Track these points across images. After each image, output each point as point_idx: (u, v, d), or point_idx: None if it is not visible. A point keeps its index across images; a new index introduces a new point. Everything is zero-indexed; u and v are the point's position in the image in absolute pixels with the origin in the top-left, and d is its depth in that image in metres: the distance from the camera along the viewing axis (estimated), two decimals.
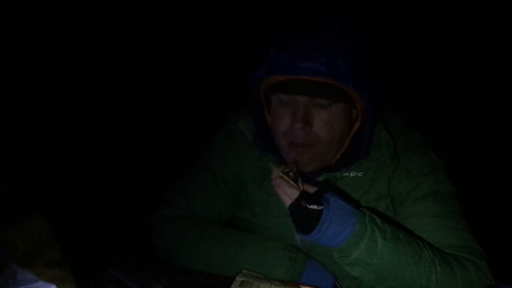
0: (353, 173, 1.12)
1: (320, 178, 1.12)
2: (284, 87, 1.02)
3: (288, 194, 0.96)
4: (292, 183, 0.97)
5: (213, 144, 1.27)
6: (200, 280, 1.09)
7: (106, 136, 2.37)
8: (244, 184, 1.22)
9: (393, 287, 0.97)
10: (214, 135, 1.28)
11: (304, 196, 0.95)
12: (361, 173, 1.11)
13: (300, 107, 1.02)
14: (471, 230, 1.07)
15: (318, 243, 0.96)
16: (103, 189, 2.11)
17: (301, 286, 1.02)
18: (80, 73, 2.40)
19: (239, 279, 1.04)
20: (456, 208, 1.09)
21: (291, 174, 0.99)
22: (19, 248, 0.95)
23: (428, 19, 2.47)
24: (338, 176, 1.12)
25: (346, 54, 0.97)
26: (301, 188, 0.97)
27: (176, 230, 1.19)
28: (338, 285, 1.13)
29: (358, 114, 1.08)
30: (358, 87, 0.99)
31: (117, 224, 1.76)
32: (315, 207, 0.93)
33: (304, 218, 0.95)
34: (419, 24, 2.44)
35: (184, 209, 1.23)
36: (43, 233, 1.00)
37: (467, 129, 2.35)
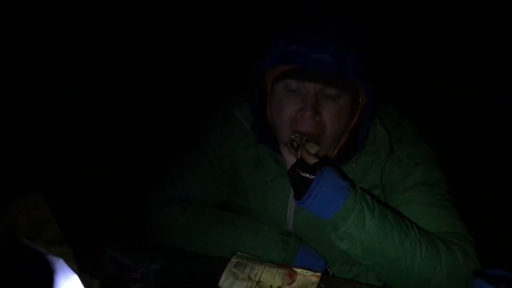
0: (344, 163, 1.14)
1: None
2: (295, 74, 1.03)
3: (287, 159, 1.02)
4: (292, 151, 1.02)
5: (210, 129, 1.28)
6: (195, 261, 1.11)
7: (106, 127, 2.38)
8: (238, 170, 1.23)
9: (379, 263, 1.00)
10: (210, 119, 1.29)
11: (300, 164, 1.00)
12: (355, 164, 1.14)
13: (311, 95, 1.03)
14: (461, 217, 1.10)
15: (310, 213, 1.00)
16: (102, 171, 2.12)
17: (294, 269, 1.05)
18: (80, 73, 2.40)
19: (234, 260, 1.06)
20: (446, 197, 1.11)
21: (295, 143, 1.04)
22: (21, 226, 0.96)
23: (428, 17, 2.47)
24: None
25: (352, 48, 0.99)
26: (299, 157, 1.02)
27: (172, 211, 1.20)
28: (329, 269, 1.17)
29: (357, 108, 1.10)
30: (364, 81, 1.01)
31: (114, 205, 1.78)
32: (307, 175, 0.98)
33: (298, 184, 1.00)
34: (418, 21, 2.45)
35: (180, 192, 1.25)
36: (43, 211, 1.01)
37: (466, 126, 2.38)
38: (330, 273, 1.16)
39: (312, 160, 1.02)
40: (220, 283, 1.01)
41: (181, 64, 2.69)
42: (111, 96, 2.49)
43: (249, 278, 1.02)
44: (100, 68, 2.46)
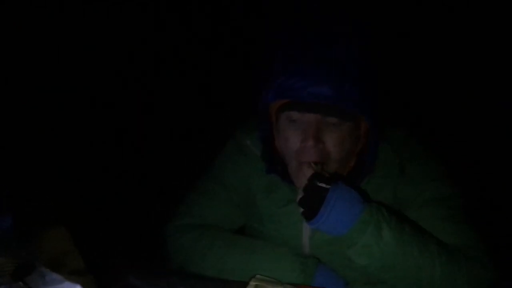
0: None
1: None
2: (295, 106, 1.04)
3: (305, 173, 1.02)
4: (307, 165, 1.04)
5: (224, 158, 1.31)
6: (214, 285, 1.12)
7: (116, 137, 2.37)
8: (253, 195, 1.25)
9: (399, 277, 1.00)
10: (222, 149, 1.32)
11: (317, 176, 1.01)
12: (365, 187, 1.14)
13: (312, 124, 1.04)
14: (477, 229, 1.09)
15: (325, 233, 1.01)
16: (115, 197, 2.13)
17: None
18: (81, 72, 2.39)
19: (252, 283, 1.07)
20: (461, 210, 1.11)
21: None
22: (44, 257, 1.00)
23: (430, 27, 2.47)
24: None
25: (353, 77, 1.00)
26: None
27: (190, 238, 1.22)
28: None
29: (363, 132, 1.11)
30: (364, 110, 1.02)
31: (134, 231, 1.80)
32: (324, 185, 0.99)
33: (314, 197, 1.00)
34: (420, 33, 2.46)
35: (197, 219, 1.27)
36: (66, 243, 1.05)
37: (470, 133, 2.35)
38: None
39: (326, 175, 1.04)
40: None
41: (182, 65, 2.69)
42: (112, 96, 2.49)
43: None
44: (99, 68, 2.44)
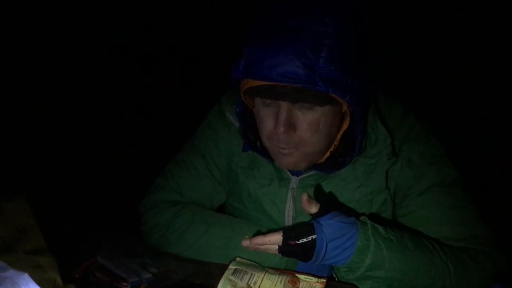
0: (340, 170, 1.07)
1: (310, 173, 1.08)
2: (263, 91, 0.94)
3: (272, 242, 0.93)
4: (268, 234, 0.93)
5: (206, 127, 1.22)
6: (191, 268, 1.05)
7: (98, 130, 2.35)
8: (233, 171, 1.18)
9: None
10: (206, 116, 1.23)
11: (288, 234, 0.92)
12: (354, 166, 1.07)
13: (283, 110, 0.95)
14: (482, 217, 1.05)
15: None
16: (91, 173, 2.08)
17: (296, 274, 0.99)
18: (78, 72, 2.40)
19: (232, 267, 1.01)
20: (463, 197, 1.05)
21: None
22: (0, 234, 0.90)
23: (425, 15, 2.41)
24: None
25: (328, 53, 0.89)
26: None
27: (167, 215, 1.15)
28: (334, 275, 1.10)
29: (348, 110, 1.01)
30: (341, 90, 0.91)
31: (105, 209, 1.73)
32: (305, 240, 0.90)
33: (299, 253, 0.92)
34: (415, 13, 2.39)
35: (175, 194, 1.20)
36: (26, 218, 0.95)
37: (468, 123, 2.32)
38: (336, 278, 1.09)
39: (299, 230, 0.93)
40: None
41: (178, 63, 2.66)
42: (107, 94, 2.46)
43: (248, 286, 0.96)
44: (97, 67, 2.44)
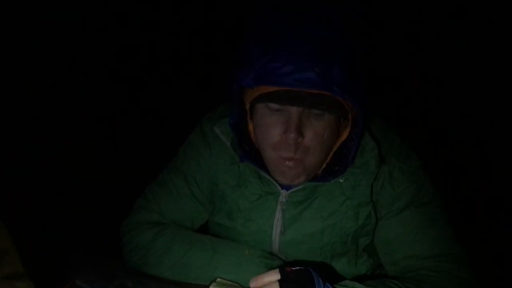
0: (334, 179, 1.09)
1: (300, 186, 1.09)
2: (277, 97, 0.96)
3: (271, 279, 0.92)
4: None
5: (186, 146, 1.23)
6: None
7: (86, 138, 2.35)
8: (218, 189, 1.18)
9: None
10: (187, 138, 1.24)
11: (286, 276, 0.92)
12: (343, 179, 1.09)
13: (294, 116, 0.97)
14: (458, 235, 1.07)
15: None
16: (70, 193, 2.05)
17: None
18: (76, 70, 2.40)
19: None
20: (440, 215, 1.08)
21: None
22: None
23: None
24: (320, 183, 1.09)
25: (340, 60, 0.93)
26: None
27: (147, 236, 1.14)
28: None
29: (348, 121, 1.05)
30: (353, 96, 0.95)
31: (85, 231, 1.71)
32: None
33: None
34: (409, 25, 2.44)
35: (156, 215, 1.19)
36: (3, 242, 0.93)
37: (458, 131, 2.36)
38: None
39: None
40: None
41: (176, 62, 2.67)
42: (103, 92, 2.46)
43: None
44: (93, 67, 2.45)
